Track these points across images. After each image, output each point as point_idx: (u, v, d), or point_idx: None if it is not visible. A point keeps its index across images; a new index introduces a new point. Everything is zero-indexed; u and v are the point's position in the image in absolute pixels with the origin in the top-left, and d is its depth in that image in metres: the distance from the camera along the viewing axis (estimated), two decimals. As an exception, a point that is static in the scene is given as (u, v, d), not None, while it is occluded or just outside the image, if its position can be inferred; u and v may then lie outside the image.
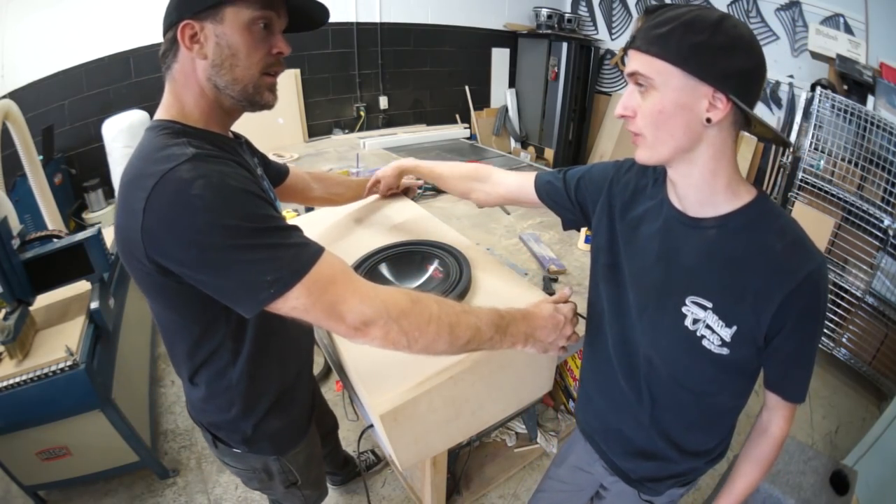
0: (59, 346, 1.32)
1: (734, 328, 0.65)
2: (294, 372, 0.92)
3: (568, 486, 1.10)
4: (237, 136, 0.84)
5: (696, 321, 0.69)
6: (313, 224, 1.34)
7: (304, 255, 0.61)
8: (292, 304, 0.60)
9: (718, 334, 0.67)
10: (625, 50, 0.63)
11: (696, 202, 0.67)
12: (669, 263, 0.72)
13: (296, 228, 0.64)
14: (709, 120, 0.58)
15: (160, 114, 0.69)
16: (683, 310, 0.70)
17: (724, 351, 0.67)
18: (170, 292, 0.67)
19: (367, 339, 0.64)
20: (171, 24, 0.65)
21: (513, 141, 4.35)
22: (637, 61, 0.60)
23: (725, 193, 0.65)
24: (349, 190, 1.33)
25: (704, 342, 0.69)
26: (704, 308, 0.68)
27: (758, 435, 0.77)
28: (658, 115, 0.60)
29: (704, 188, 0.65)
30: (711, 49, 0.55)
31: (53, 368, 1.29)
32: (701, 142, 0.61)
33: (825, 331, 2.48)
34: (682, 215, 0.69)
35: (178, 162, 0.58)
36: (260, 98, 0.70)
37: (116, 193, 0.65)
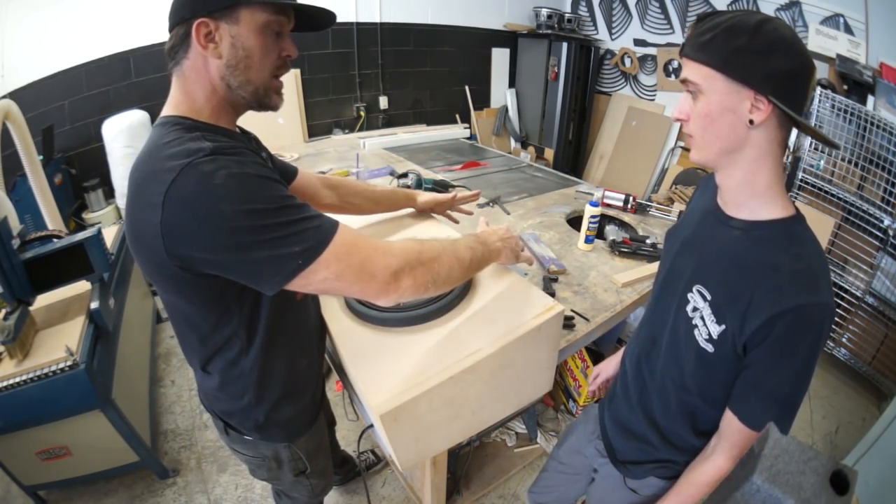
0: (59, 346, 1.32)
1: (722, 327, 0.67)
2: (306, 360, 0.93)
3: (566, 467, 1.15)
4: (245, 133, 0.84)
5: (695, 309, 0.72)
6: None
7: (325, 225, 0.63)
8: (322, 274, 0.62)
9: (708, 328, 0.69)
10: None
11: (734, 203, 0.70)
12: (693, 250, 0.76)
13: (308, 205, 0.66)
14: (752, 122, 0.60)
15: (169, 110, 0.69)
16: (689, 296, 0.73)
17: (709, 348, 0.70)
18: (183, 284, 0.67)
19: (398, 292, 0.67)
20: (182, 19, 0.65)
21: (513, 141, 4.35)
22: (687, 68, 0.64)
23: (763, 198, 0.66)
24: (368, 202, 1.15)
25: (695, 332, 0.71)
26: (704, 299, 0.71)
27: (701, 459, 0.78)
28: (705, 119, 0.63)
29: (744, 188, 0.67)
30: (751, 52, 0.58)
31: (53, 368, 1.29)
32: (746, 143, 0.63)
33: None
34: (718, 210, 0.73)
35: (198, 156, 0.58)
36: (269, 100, 0.72)
37: (128, 189, 0.65)
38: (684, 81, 0.64)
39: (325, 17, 0.76)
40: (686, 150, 3.75)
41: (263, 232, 0.58)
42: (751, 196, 0.67)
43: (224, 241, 0.58)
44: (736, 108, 0.60)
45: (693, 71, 0.62)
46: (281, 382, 0.86)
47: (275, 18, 0.66)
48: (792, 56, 0.58)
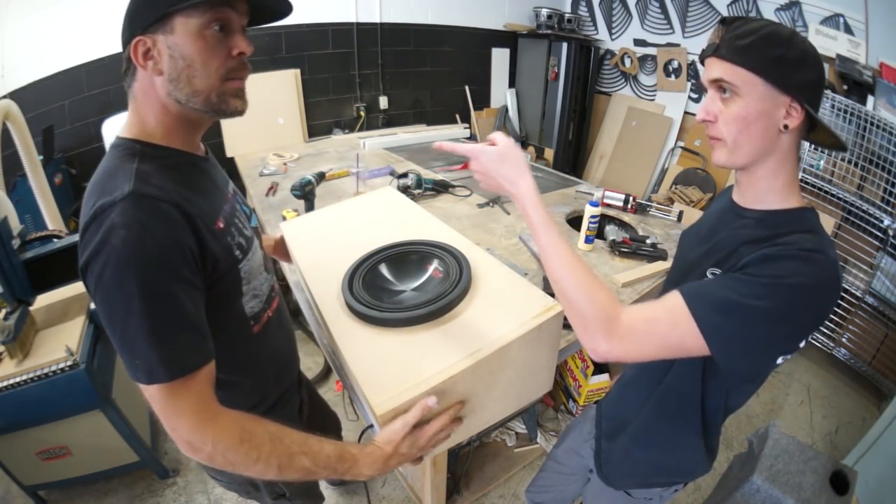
0: (60, 346, 1.32)
1: None
2: (275, 394, 0.91)
3: (563, 468, 1.16)
4: (207, 153, 0.80)
5: None
6: (313, 225, 1.34)
7: (176, 361, 0.59)
8: (148, 393, 0.60)
9: None
10: (702, 58, 0.68)
11: (752, 198, 0.72)
12: (708, 241, 0.77)
13: (185, 327, 0.61)
14: (786, 126, 0.63)
15: (122, 131, 0.68)
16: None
17: None
18: None
19: (196, 457, 0.63)
20: (124, 42, 0.63)
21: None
22: (720, 69, 0.64)
23: (780, 194, 0.68)
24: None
25: None
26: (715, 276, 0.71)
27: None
28: (741, 121, 0.64)
29: (763, 185, 0.69)
30: (789, 62, 0.60)
31: (53, 368, 1.29)
32: (775, 147, 0.65)
33: (825, 330, 2.49)
34: (734, 205, 0.75)
35: (113, 201, 0.57)
36: (226, 106, 0.67)
37: None
38: (715, 81, 0.65)
39: (280, 4, 0.69)
40: (687, 150, 3.75)
41: (121, 323, 0.57)
42: (769, 191, 0.69)
43: (99, 307, 0.59)
44: (772, 112, 0.62)
45: (730, 72, 0.63)
46: (250, 408, 0.84)
47: (211, 16, 0.61)
48: (818, 68, 0.62)
